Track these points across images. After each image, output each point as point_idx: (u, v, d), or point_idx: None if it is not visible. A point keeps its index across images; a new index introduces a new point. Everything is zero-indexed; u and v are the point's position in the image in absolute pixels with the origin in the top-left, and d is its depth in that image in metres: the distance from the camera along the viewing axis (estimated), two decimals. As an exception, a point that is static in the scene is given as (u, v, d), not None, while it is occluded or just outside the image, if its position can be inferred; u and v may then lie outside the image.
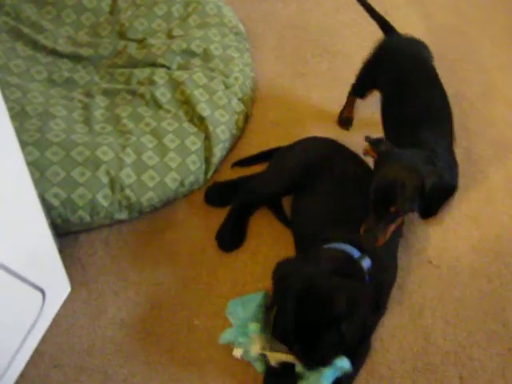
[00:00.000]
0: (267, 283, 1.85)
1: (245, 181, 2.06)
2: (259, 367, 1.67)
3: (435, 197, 1.73)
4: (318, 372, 1.56)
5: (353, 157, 1.99)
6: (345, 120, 2.32)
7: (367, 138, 1.81)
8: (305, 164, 1.93)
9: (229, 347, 1.69)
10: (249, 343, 1.62)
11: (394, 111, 1.99)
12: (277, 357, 1.61)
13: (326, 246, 1.69)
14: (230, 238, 1.97)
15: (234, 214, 1.99)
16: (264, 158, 2.14)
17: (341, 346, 1.53)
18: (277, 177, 1.99)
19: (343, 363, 1.55)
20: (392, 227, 1.73)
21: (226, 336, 1.66)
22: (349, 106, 2.32)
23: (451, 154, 1.92)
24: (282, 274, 1.62)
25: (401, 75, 2.00)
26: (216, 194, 2.07)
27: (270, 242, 1.97)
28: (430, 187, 1.68)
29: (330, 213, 1.81)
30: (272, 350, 1.62)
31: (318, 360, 1.53)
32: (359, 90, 2.24)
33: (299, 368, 1.61)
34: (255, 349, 1.62)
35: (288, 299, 1.52)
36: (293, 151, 2.03)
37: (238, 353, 1.66)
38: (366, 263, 1.65)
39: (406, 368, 1.74)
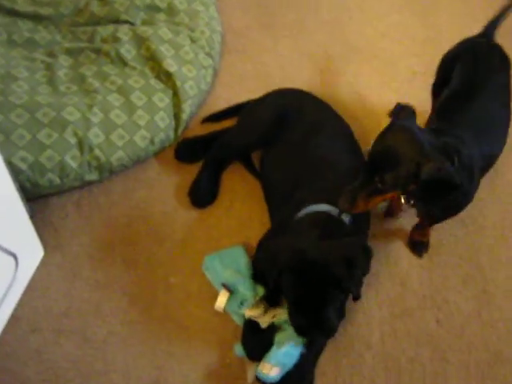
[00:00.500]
0: (242, 238, 1.87)
1: (216, 136, 2.03)
2: (238, 320, 1.67)
3: (432, 190, 1.47)
4: None
5: (323, 106, 1.97)
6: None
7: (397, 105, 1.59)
8: (276, 116, 1.91)
9: (206, 303, 1.70)
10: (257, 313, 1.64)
11: (454, 109, 1.75)
12: (267, 320, 1.63)
13: (304, 211, 1.66)
14: (203, 193, 1.95)
15: (206, 169, 1.97)
16: (234, 113, 2.11)
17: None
18: (248, 130, 1.97)
19: None
20: (377, 200, 1.53)
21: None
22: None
23: (475, 165, 1.63)
24: (271, 255, 1.57)
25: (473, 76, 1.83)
26: (186, 150, 2.04)
27: (243, 197, 1.96)
28: (427, 175, 1.41)
29: (303, 164, 1.79)
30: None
31: (330, 329, 1.52)
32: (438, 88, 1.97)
33: (278, 320, 1.62)
34: (266, 319, 1.64)
35: (286, 280, 1.50)
36: (263, 103, 2.00)
37: (221, 303, 1.66)
38: (347, 218, 1.64)
39: (383, 314, 1.77)
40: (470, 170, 1.58)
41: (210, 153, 1.99)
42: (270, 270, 1.54)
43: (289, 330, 1.59)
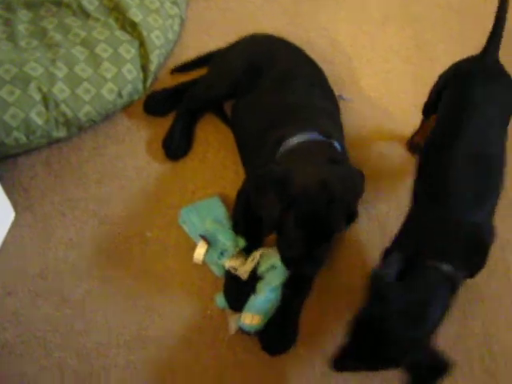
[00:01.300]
0: (217, 189, 1.84)
1: (186, 87, 1.97)
2: (217, 271, 1.66)
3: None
4: (274, 269, 1.57)
5: (296, 52, 1.92)
6: (415, 145, 1.95)
7: None
8: (247, 63, 1.85)
9: (184, 255, 1.68)
10: (237, 264, 1.62)
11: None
12: (247, 269, 1.61)
13: (291, 142, 1.58)
14: (177, 145, 1.90)
15: (178, 121, 1.92)
16: (204, 62, 2.04)
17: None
18: (219, 80, 1.91)
19: None
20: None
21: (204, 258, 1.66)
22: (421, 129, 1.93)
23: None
24: (275, 182, 1.46)
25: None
26: (156, 102, 1.98)
27: (217, 147, 1.92)
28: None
29: (277, 109, 1.73)
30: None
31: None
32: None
33: (261, 269, 1.60)
34: (247, 268, 1.61)
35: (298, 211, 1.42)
36: (233, 51, 1.94)
37: (199, 255, 1.64)
38: (337, 144, 1.60)
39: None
40: None
41: (181, 104, 1.94)
42: (273, 200, 1.43)
43: (269, 277, 1.58)
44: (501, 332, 1.68)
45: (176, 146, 1.90)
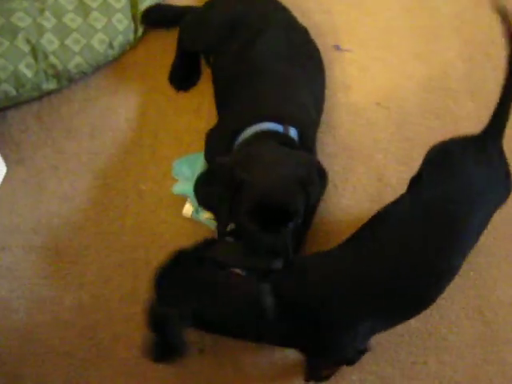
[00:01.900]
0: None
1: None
2: (211, 224, 1.63)
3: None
4: None
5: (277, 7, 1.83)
6: None
7: None
8: (230, 17, 1.75)
9: (179, 208, 1.66)
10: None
11: None
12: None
13: (247, 132, 1.51)
14: (185, 75, 1.89)
15: (179, 55, 1.90)
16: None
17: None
18: (203, 32, 1.82)
19: None
20: None
21: (177, 189, 1.64)
22: None
23: None
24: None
25: None
26: (156, 15, 1.97)
27: (211, 99, 1.86)
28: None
29: (243, 72, 1.64)
30: None
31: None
32: None
33: None
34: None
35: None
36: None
37: (188, 211, 1.62)
38: (294, 133, 1.53)
39: (363, 207, 1.74)
40: None
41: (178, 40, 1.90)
42: (221, 190, 1.37)
43: None
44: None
45: (184, 76, 1.89)
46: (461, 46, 2.04)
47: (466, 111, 1.91)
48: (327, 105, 1.81)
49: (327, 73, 1.82)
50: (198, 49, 1.87)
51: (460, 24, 2.08)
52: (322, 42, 1.88)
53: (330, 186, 1.71)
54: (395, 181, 1.78)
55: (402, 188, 1.74)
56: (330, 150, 1.81)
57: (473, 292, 1.63)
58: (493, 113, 1.39)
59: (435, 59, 2.02)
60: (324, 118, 1.79)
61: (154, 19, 1.96)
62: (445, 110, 1.92)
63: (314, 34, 1.83)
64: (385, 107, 1.90)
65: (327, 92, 1.81)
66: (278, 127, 1.50)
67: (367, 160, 1.81)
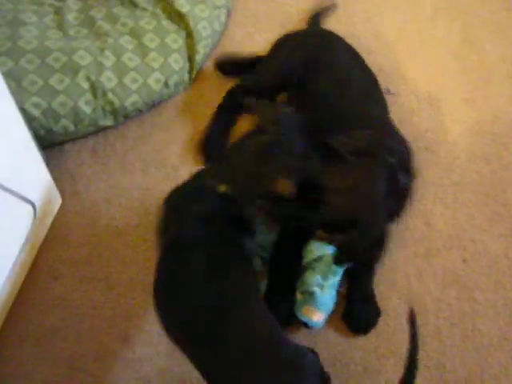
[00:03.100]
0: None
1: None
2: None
3: None
4: (321, 260, 1.58)
5: (349, 48, 1.87)
6: None
7: None
8: (303, 56, 1.80)
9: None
10: None
11: None
12: None
13: None
14: (214, 145, 1.87)
15: (219, 117, 1.91)
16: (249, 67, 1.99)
17: None
18: (273, 71, 1.86)
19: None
20: None
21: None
22: None
23: None
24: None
25: None
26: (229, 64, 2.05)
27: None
28: None
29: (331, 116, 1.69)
30: None
31: None
32: None
33: (306, 260, 1.62)
34: None
35: None
36: (289, 42, 1.88)
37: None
38: None
39: (407, 254, 1.73)
40: None
41: (224, 97, 1.92)
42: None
43: (317, 269, 1.59)
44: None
45: (212, 147, 1.87)
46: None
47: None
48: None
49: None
50: (274, 85, 1.86)
51: (511, 68, 2.09)
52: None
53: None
54: (442, 225, 1.78)
55: (449, 231, 1.74)
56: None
57: None
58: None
59: (486, 104, 2.02)
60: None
61: (227, 69, 2.03)
62: (495, 156, 1.91)
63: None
64: (433, 151, 1.91)
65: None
66: None
67: (415, 203, 1.81)
